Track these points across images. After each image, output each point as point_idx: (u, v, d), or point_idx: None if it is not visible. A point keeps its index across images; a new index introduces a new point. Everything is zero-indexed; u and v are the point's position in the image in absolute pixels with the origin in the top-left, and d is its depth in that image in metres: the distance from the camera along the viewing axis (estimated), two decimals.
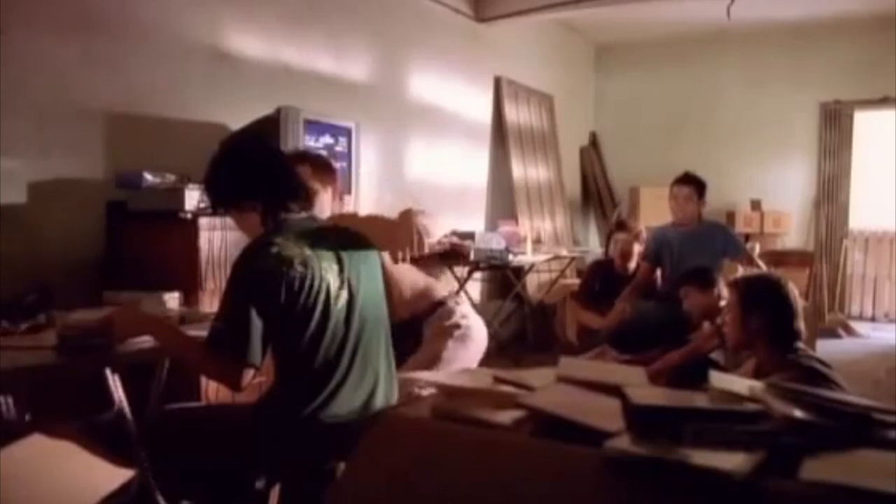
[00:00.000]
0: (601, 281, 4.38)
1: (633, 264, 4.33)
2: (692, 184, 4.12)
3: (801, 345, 2.39)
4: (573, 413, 1.32)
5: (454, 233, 4.92)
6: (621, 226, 4.57)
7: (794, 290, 2.47)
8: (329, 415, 1.88)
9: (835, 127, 7.16)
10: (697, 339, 3.32)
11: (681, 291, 3.56)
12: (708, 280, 3.52)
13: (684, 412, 1.26)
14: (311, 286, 1.85)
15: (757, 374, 2.21)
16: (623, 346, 3.68)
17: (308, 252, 1.87)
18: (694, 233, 4.10)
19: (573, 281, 6.02)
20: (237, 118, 3.57)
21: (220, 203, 2.09)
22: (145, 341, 2.05)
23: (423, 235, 3.79)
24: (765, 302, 2.42)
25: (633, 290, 4.16)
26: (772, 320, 2.39)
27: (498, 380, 1.67)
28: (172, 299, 2.63)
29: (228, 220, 2.44)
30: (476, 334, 2.87)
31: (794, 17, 6.77)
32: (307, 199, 2.06)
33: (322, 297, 1.87)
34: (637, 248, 4.31)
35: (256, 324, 1.83)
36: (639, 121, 7.80)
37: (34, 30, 2.90)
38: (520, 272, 5.52)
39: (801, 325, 2.42)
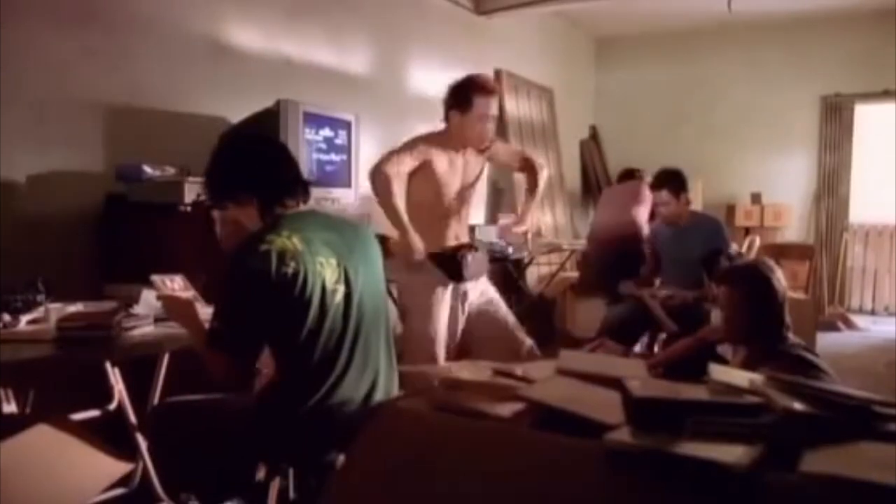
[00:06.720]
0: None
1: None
2: (664, 185, 3.88)
3: (789, 333, 2.35)
4: (573, 405, 1.33)
5: None
6: (629, 174, 4.23)
7: (782, 278, 2.41)
8: (329, 408, 1.89)
9: (835, 120, 7.14)
10: (703, 332, 3.29)
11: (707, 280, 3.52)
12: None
13: (684, 405, 1.26)
14: (306, 281, 1.84)
15: (746, 365, 2.15)
16: (622, 339, 3.68)
17: (302, 247, 1.86)
18: (681, 231, 3.90)
19: (573, 274, 6.02)
20: (237, 111, 3.55)
21: (218, 196, 2.08)
22: (149, 334, 2.16)
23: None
24: (761, 293, 2.35)
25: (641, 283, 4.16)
26: (768, 311, 2.34)
27: (498, 372, 1.68)
28: None
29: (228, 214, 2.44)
30: None
31: (795, 10, 6.74)
32: (306, 192, 2.05)
33: (318, 291, 1.87)
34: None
35: (253, 322, 1.83)
36: (639, 114, 7.78)
37: (34, 22, 2.88)
38: (520, 265, 5.51)
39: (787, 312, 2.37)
